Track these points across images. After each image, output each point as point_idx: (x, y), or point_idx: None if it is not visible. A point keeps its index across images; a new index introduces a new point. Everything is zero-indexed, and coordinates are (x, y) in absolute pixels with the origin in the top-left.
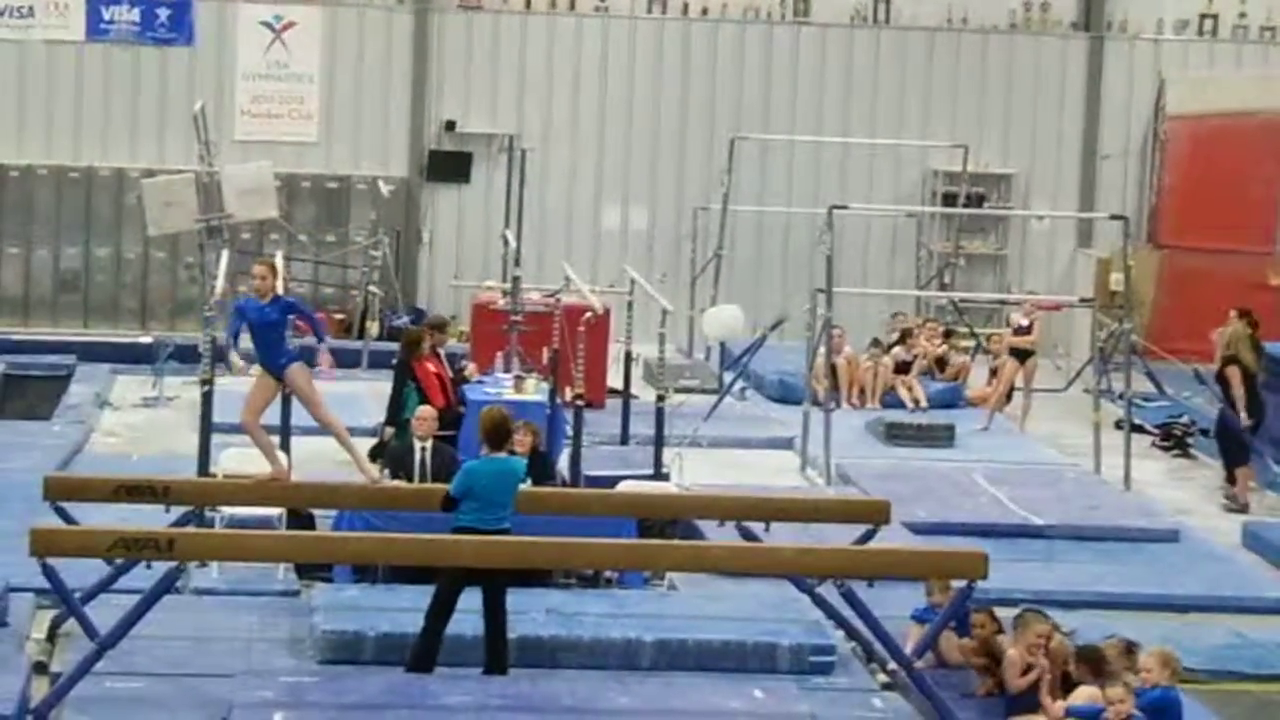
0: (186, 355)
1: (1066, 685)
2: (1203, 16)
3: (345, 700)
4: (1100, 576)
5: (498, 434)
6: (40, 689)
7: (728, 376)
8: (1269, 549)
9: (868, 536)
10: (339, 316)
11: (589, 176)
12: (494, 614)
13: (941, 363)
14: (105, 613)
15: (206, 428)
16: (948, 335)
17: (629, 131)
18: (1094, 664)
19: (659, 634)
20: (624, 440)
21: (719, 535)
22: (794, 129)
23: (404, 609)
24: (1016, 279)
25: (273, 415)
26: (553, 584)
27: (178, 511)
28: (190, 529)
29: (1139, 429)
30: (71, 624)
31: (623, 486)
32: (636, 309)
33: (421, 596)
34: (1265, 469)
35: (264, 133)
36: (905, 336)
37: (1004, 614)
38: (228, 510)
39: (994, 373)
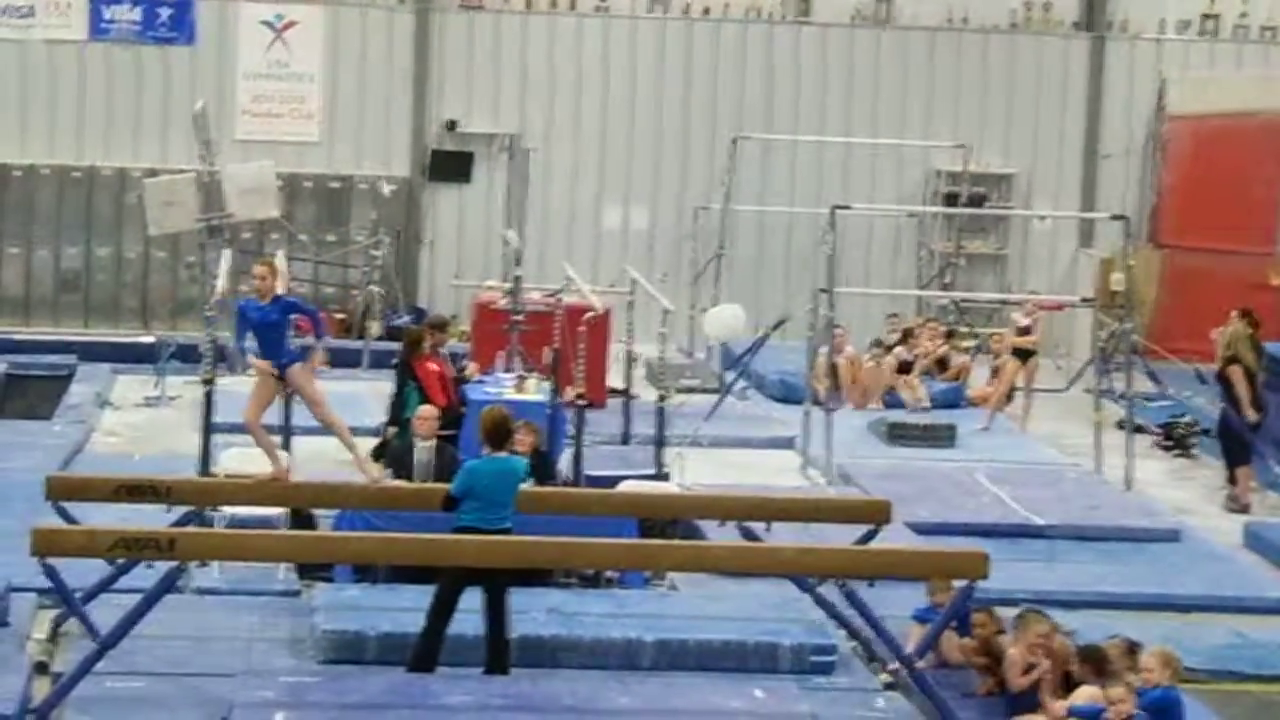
0: (188, 355)
1: (1067, 685)
2: (1204, 17)
3: (346, 700)
4: (1101, 576)
5: (498, 434)
6: (42, 689)
7: (729, 376)
8: (1270, 549)
9: (869, 536)
10: (340, 316)
11: (590, 176)
12: (495, 614)
13: (943, 363)
14: (106, 612)
15: (208, 427)
16: (949, 335)
17: (630, 131)
18: (1097, 663)
19: (660, 634)
20: (625, 440)
21: (720, 535)
22: (796, 129)
23: (405, 609)
24: (1018, 279)
25: (274, 415)
26: (554, 584)
27: (179, 511)
28: (191, 529)
29: (1140, 429)
30: (73, 624)
31: (624, 486)
32: (638, 309)
33: (423, 596)
34: (1266, 469)
35: (265, 132)
36: (907, 336)
37: (1005, 614)
38: (229, 510)
39: (995, 373)
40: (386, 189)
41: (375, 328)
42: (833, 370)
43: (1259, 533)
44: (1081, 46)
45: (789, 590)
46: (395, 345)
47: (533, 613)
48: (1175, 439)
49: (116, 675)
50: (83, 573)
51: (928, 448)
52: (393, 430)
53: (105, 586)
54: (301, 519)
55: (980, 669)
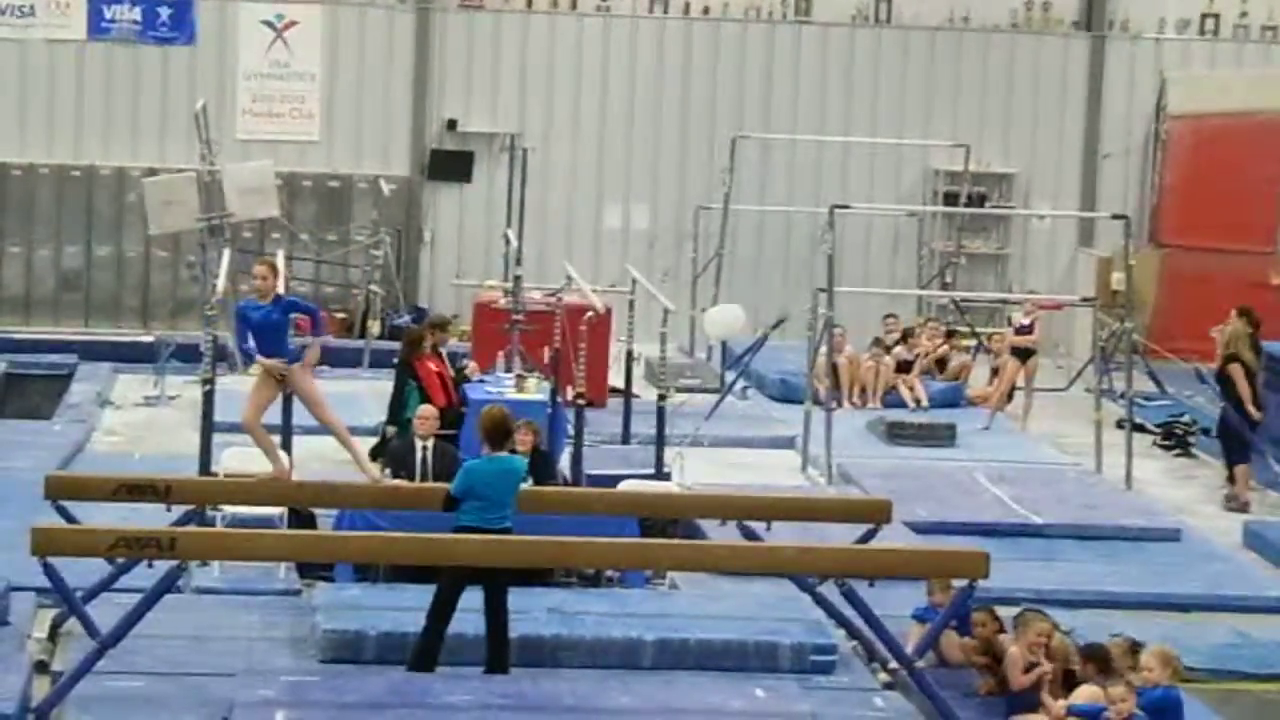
0: (188, 354)
1: (1068, 684)
2: (1204, 16)
3: (346, 699)
4: (1101, 576)
5: (498, 433)
6: (42, 688)
7: (729, 376)
8: (1269, 548)
9: (869, 536)
10: (340, 315)
11: (590, 175)
12: (495, 613)
13: (942, 362)
14: (106, 612)
15: (208, 427)
16: (949, 335)
17: (630, 131)
18: (1101, 662)
19: (660, 633)
20: (625, 439)
21: (720, 534)
22: (795, 128)
23: (405, 608)
24: (1018, 278)
25: (274, 415)
26: (554, 583)
27: (179, 511)
28: (192, 528)
29: (1140, 428)
30: (73, 623)
31: (624, 486)
32: (638, 308)
33: (423, 596)
34: (1265, 468)
35: (265, 132)
36: (906, 336)
37: (1005, 613)
38: (229, 509)
39: (995, 372)
40: (386, 188)
41: (375, 327)
42: (832, 370)
43: (1258, 532)
44: (1081, 46)
45: (789, 590)
46: (396, 345)
47: (533, 612)
48: (1175, 438)
49: (117, 674)
50: (83, 572)
51: (927, 447)
52: (392, 430)
53: (105, 586)
54: (302, 518)
55: (980, 668)
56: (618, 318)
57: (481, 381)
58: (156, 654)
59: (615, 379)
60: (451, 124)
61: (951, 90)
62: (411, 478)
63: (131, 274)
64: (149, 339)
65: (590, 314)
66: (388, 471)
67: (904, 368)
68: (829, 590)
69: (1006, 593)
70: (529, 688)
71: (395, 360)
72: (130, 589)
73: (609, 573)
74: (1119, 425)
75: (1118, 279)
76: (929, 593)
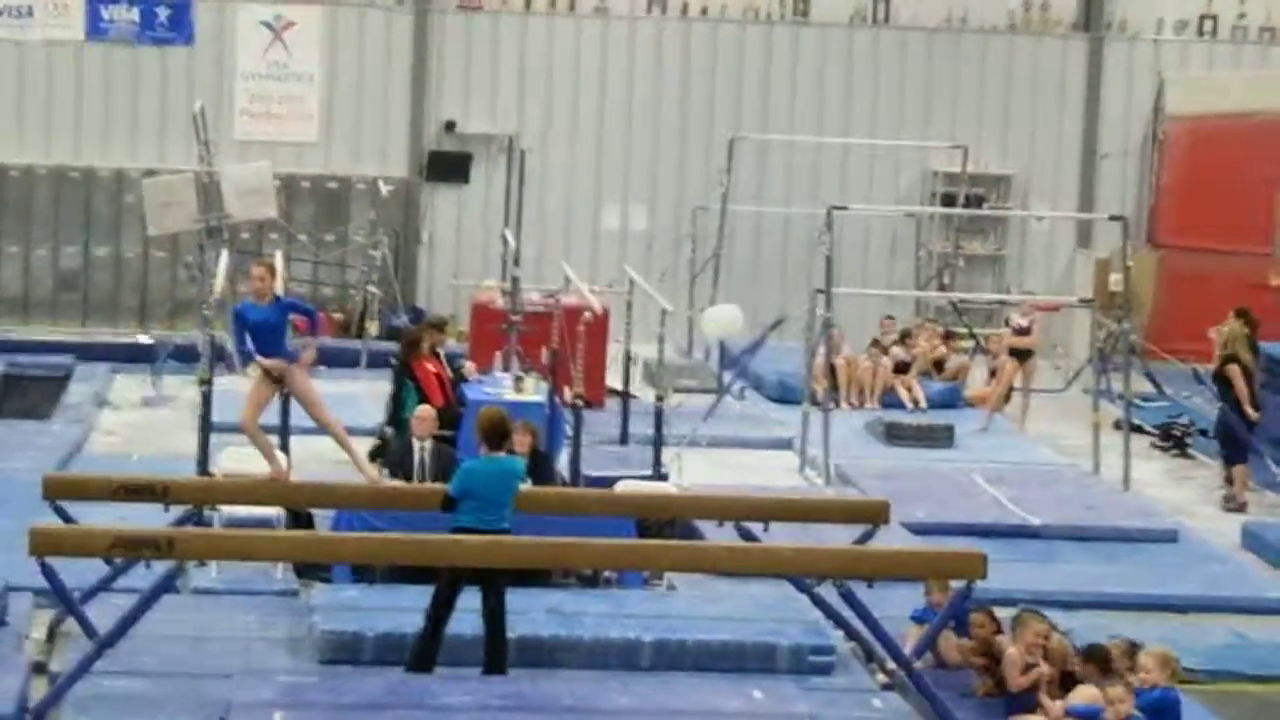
0: (186, 355)
1: (1065, 685)
2: (1202, 17)
3: (344, 700)
4: (1099, 577)
5: (496, 434)
6: (39, 688)
7: (727, 376)
8: (1267, 549)
9: (867, 537)
10: (338, 316)
11: (588, 176)
12: (493, 614)
13: (940, 363)
14: (104, 612)
15: (206, 427)
16: (948, 337)
17: (628, 131)
18: (1101, 662)
19: (658, 634)
20: (623, 440)
21: (718, 535)
22: (793, 129)
23: (403, 609)
24: (1016, 280)
25: (272, 416)
26: (552, 584)
27: (177, 511)
28: (189, 529)
29: (1138, 429)
30: (70, 623)
31: (622, 486)
32: (636, 309)
33: (421, 596)
34: (1264, 469)
35: (264, 133)
36: (904, 337)
37: (1003, 614)
38: (227, 510)
39: (993, 373)
40: (385, 189)
41: (373, 328)
42: (830, 371)
43: (1257, 533)
44: (1080, 47)
45: (787, 591)
46: (394, 345)
47: (531, 613)
48: (1173, 439)
49: (114, 675)
50: (80, 572)
51: (925, 448)
52: (390, 430)
53: (103, 586)
54: (300, 519)
55: (978, 669)
56: (615, 318)
57: (479, 382)
58: (154, 654)
59: (613, 380)
60: (450, 125)
61: (949, 91)
62: (409, 478)
63: (130, 275)
64: (148, 341)
65: (587, 314)
66: (386, 472)
67: (902, 368)
68: (827, 591)
69: (1004, 594)
70: (527, 688)
71: (393, 361)
72: (128, 589)
73: (607, 574)
74: (1117, 426)
75: (1115, 280)
76: (926, 592)
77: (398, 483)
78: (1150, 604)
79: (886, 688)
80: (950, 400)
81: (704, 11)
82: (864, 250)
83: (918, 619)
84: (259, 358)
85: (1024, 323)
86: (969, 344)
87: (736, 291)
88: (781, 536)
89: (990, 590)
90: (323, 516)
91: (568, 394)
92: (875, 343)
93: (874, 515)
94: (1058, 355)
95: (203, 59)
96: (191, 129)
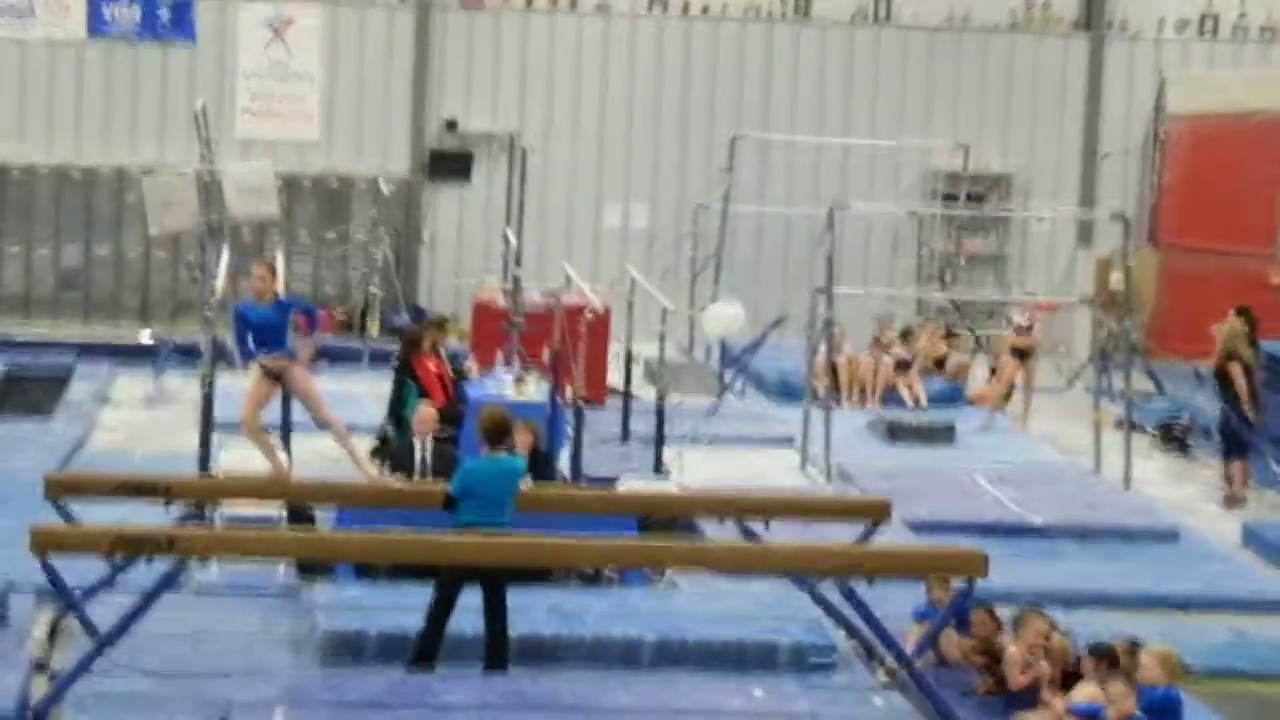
0: (188, 353)
1: (1066, 683)
2: (1203, 16)
3: (346, 699)
4: (1100, 575)
5: (497, 432)
6: (40, 687)
7: (728, 375)
8: (1268, 548)
9: (868, 535)
10: (340, 315)
11: (590, 175)
12: (495, 612)
13: (941, 362)
14: (105, 611)
15: (207, 425)
16: (949, 336)
17: (630, 130)
18: (1110, 660)
19: (660, 632)
20: (624, 439)
21: (719, 534)
22: (794, 128)
23: (405, 607)
24: (1017, 279)
25: (273, 414)
26: (553, 582)
27: (178, 509)
28: (191, 527)
29: (1139, 428)
30: (72, 622)
31: (623, 485)
32: (637, 308)
33: (423, 595)
34: (1265, 467)
35: (265, 131)
36: (906, 335)
37: (1004, 613)
38: (228, 508)
39: (994, 372)
40: (386, 188)
41: (375, 327)
42: (831, 369)
43: (1257, 531)
44: (1081, 46)
45: (788, 589)
46: (395, 344)
47: (533, 611)
48: (1173, 438)
49: (115, 673)
50: (82, 571)
51: (926, 447)
52: (392, 429)
53: (104, 585)
54: (301, 517)
55: (979, 668)
56: (617, 317)
57: (481, 381)
58: (155, 653)
59: (614, 378)
60: (451, 124)
61: (951, 90)
62: (410, 477)
63: (131, 274)
64: (149, 342)
65: (588, 312)
66: (387, 471)
67: (903, 367)
68: (828, 589)
69: (1005, 592)
70: (528, 687)
71: (394, 360)
72: (130, 588)
73: (608, 572)
74: (1118, 425)
75: (1116, 279)
76: (928, 590)
77: (399, 481)
78: (1151, 602)
79: (887, 686)
80: (951, 399)
81: (705, 10)
82: (865, 249)
83: (919, 617)
84: (260, 357)
85: (1025, 321)
86: (970, 343)
87: (737, 290)
88: (782, 535)
89: (991, 588)
90: (324, 515)
91: (569, 393)
92: (876, 341)
93: (875, 513)
94: (1059, 354)
95: (204, 58)
96: (192, 128)
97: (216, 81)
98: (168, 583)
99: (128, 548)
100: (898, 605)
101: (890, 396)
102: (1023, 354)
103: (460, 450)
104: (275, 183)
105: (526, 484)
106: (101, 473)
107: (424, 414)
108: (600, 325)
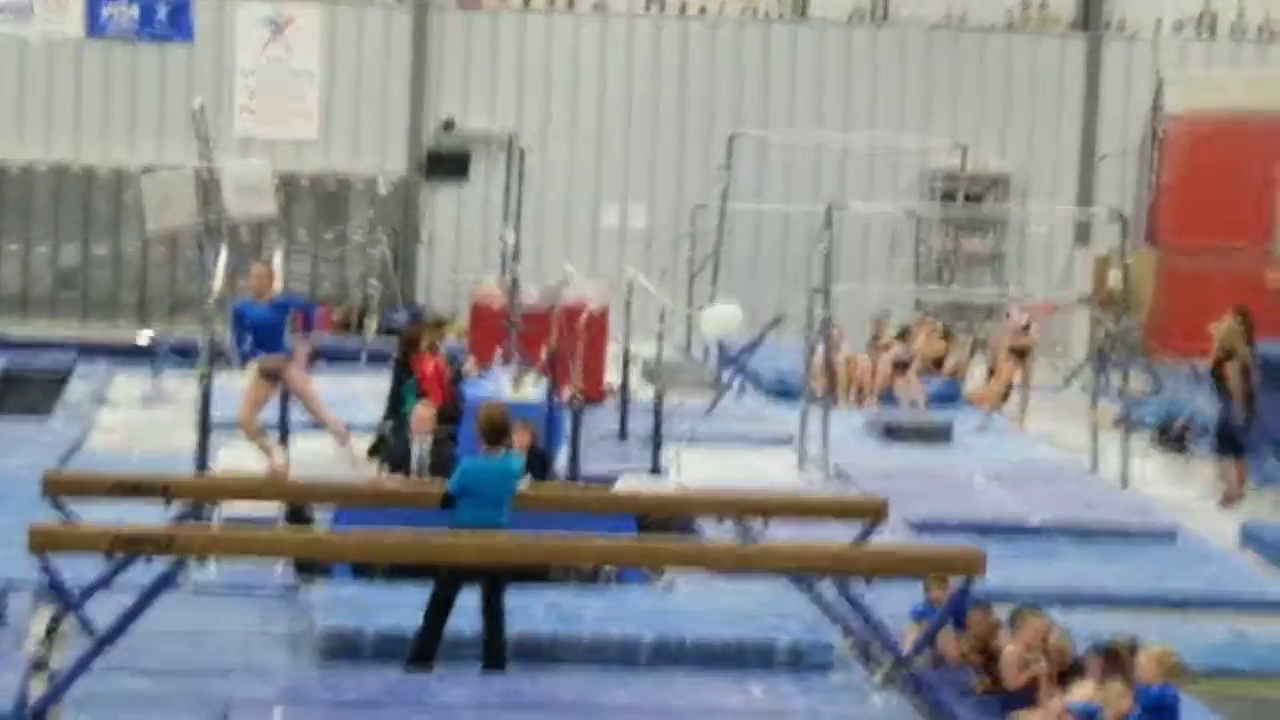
0: (185, 352)
1: (1064, 682)
2: (1201, 16)
3: (344, 697)
4: (1098, 575)
5: (495, 431)
6: (39, 686)
7: (726, 374)
8: (1267, 547)
9: (866, 534)
10: (338, 314)
11: (588, 175)
12: (492, 611)
13: (939, 361)
14: (104, 610)
15: (205, 424)
16: (947, 335)
17: (627, 130)
18: (1114, 659)
19: (658, 631)
20: (622, 438)
21: (717, 533)
22: (792, 127)
23: (403, 606)
24: (1015, 278)
25: (272, 413)
26: (552, 582)
27: (177, 508)
28: (189, 526)
29: (1137, 427)
30: (70, 621)
31: (621, 484)
32: (635, 307)
33: (421, 593)
34: (1263, 467)
35: (263, 130)
36: (904, 335)
37: (1001, 612)
38: (226, 507)
39: (992, 371)
40: (384, 187)
41: (373, 325)
42: (829, 369)
43: (1255, 531)
44: (1078, 46)
45: (786, 588)
46: (393, 343)
47: (531, 610)
48: (1171, 438)
49: (114, 672)
50: (80, 570)
51: (924, 446)
52: (390, 428)
53: (103, 584)
54: (299, 516)
55: (977, 667)
56: (615, 317)
57: (479, 379)
58: (154, 652)
59: (612, 377)
60: (449, 123)
61: (948, 90)
62: (409, 475)
63: (129, 272)
64: (145, 343)
65: (591, 306)
66: (385, 469)
67: (901, 367)
68: (826, 588)
69: (1003, 591)
70: (526, 686)
71: (393, 358)
72: (128, 587)
73: (606, 570)
74: (1116, 424)
75: (1115, 278)
76: (926, 589)
77: (397, 479)
78: (1149, 601)
79: (885, 685)
80: (949, 398)
81: (703, 10)
82: (863, 248)
83: (917, 616)
84: (259, 356)
85: (1023, 320)
86: (968, 342)
87: (735, 289)
88: (781, 534)
89: (989, 588)
90: (322, 514)
91: (566, 392)
92: (874, 341)
93: (873, 512)
94: (1057, 353)
95: (202, 56)
96: (190, 126)
97: (214, 80)
98: (166, 582)
99: (126, 547)
100: (895, 604)
101: (888, 396)
102: (1020, 354)
103: (458, 449)
104: (273, 182)
105: (526, 483)
106: (100, 472)
107: (422, 413)
108: (598, 324)
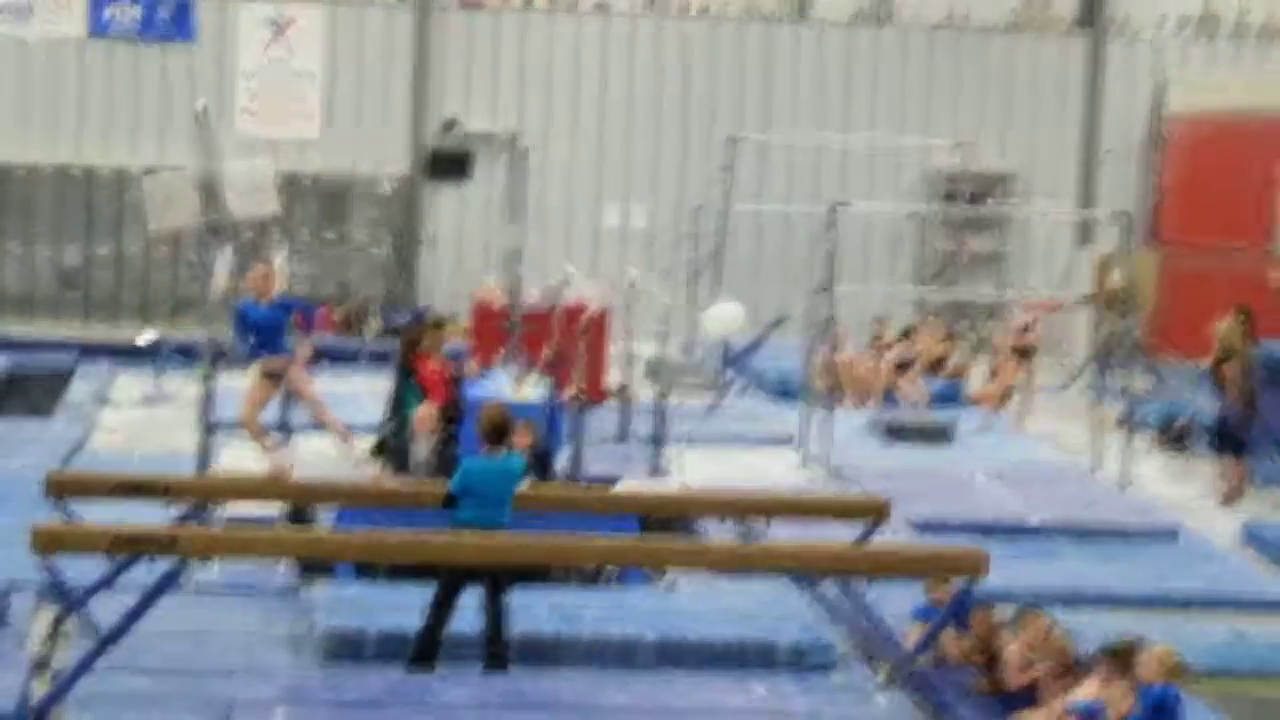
0: (187, 353)
1: (1065, 682)
2: (1203, 16)
3: (346, 698)
4: (1099, 574)
5: (496, 431)
6: (41, 686)
7: (728, 374)
8: (1268, 547)
9: (868, 534)
10: (339, 314)
11: (589, 175)
12: (494, 611)
13: (941, 361)
14: (106, 610)
15: (207, 425)
16: (949, 336)
17: (629, 130)
18: (1122, 659)
19: (659, 631)
20: (624, 438)
21: (719, 533)
22: (794, 127)
23: (405, 606)
24: (1017, 278)
25: (273, 414)
26: (553, 582)
27: (179, 509)
28: (191, 526)
29: (1138, 427)
30: (72, 621)
31: (622, 484)
32: (636, 308)
33: (423, 593)
34: (1264, 467)
35: (265, 130)
36: (906, 335)
37: (1003, 612)
38: (228, 507)
39: (994, 371)
40: (386, 187)
41: (375, 325)
42: (831, 369)
43: (1257, 531)
44: (1080, 45)
45: (788, 588)
46: (395, 343)
47: (532, 610)
48: (1173, 437)
49: (116, 673)
50: (83, 570)
51: (926, 446)
52: (392, 428)
53: (105, 584)
54: (301, 516)
55: (979, 667)
56: (616, 316)
57: (481, 380)
58: (156, 652)
59: (614, 378)
60: (450, 123)
61: (950, 89)
62: (410, 476)
63: (131, 272)
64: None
65: (592, 304)
66: (387, 470)
67: (903, 367)
68: (828, 588)
69: (1005, 592)
70: (528, 686)
71: (394, 359)
72: (130, 587)
73: (608, 571)
74: (1118, 424)
75: (1117, 277)
76: (927, 590)
77: (398, 479)
78: (1150, 601)
79: (887, 685)
80: (951, 398)
81: (705, 10)
82: (865, 248)
83: (919, 616)
84: (261, 357)
85: (1025, 320)
86: (970, 342)
87: (737, 289)
88: (782, 534)
89: (990, 588)
90: (325, 514)
91: (568, 392)
92: (876, 340)
93: (875, 513)
94: (1060, 353)
95: (204, 57)
96: (193, 126)
97: (216, 81)
98: (168, 582)
99: (129, 547)
100: (897, 604)
101: (890, 396)
102: (1022, 354)
103: (460, 449)
104: (275, 182)
105: (528, 484)
106: (102, 472)
107: (424, 413)
108: (599, 324)
